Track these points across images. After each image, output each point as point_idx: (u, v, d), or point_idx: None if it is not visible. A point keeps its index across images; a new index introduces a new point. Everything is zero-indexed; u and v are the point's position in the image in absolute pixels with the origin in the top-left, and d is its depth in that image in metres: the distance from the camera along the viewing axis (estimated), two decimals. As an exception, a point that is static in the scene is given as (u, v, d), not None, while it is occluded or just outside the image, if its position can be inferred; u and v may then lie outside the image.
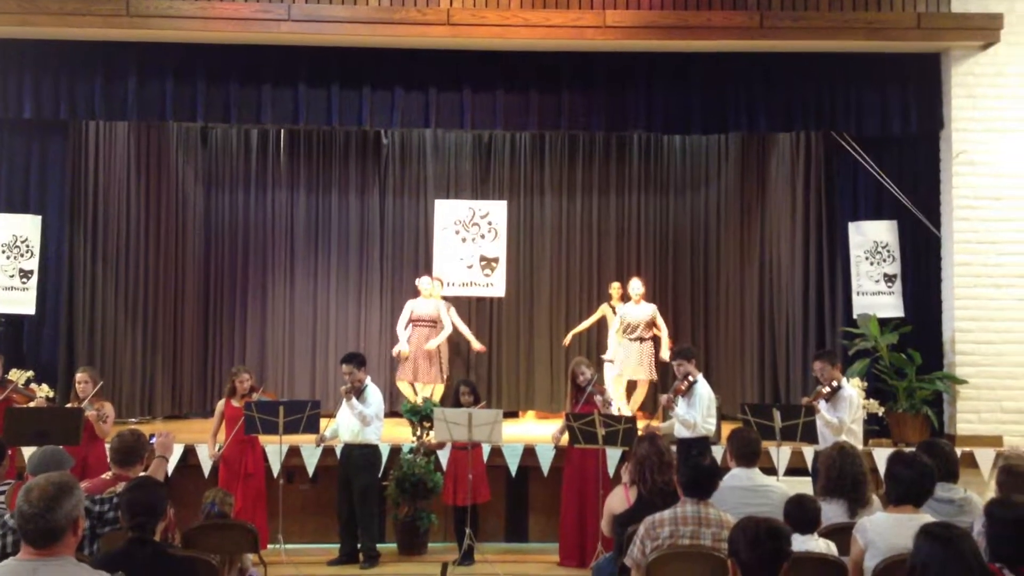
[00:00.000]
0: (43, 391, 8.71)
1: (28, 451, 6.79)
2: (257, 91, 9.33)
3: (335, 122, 9.53)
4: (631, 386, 11.23)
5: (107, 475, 5.19)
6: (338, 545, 8.27)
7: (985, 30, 9.19)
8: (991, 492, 7.34)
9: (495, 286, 11.90)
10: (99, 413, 7.91)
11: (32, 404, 8.32)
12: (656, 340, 11.04)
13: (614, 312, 11.45)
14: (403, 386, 11.37)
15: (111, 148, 10.84)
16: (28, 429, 7.17)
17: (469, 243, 11.95)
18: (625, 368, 11.03)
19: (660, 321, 11.07)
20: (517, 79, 9.45)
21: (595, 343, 12.18)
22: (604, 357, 11.36)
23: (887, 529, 4.40)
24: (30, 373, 8.89)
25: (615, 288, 11.70)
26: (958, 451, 6.14)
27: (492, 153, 12.90)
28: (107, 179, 10.73)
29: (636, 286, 11.06)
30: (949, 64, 9.37)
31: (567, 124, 9.66)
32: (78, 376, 8.17)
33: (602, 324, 11.80)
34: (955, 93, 9.34)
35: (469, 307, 12.37)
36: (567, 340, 11.83)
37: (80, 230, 10.20)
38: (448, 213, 12.01)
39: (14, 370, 8.77)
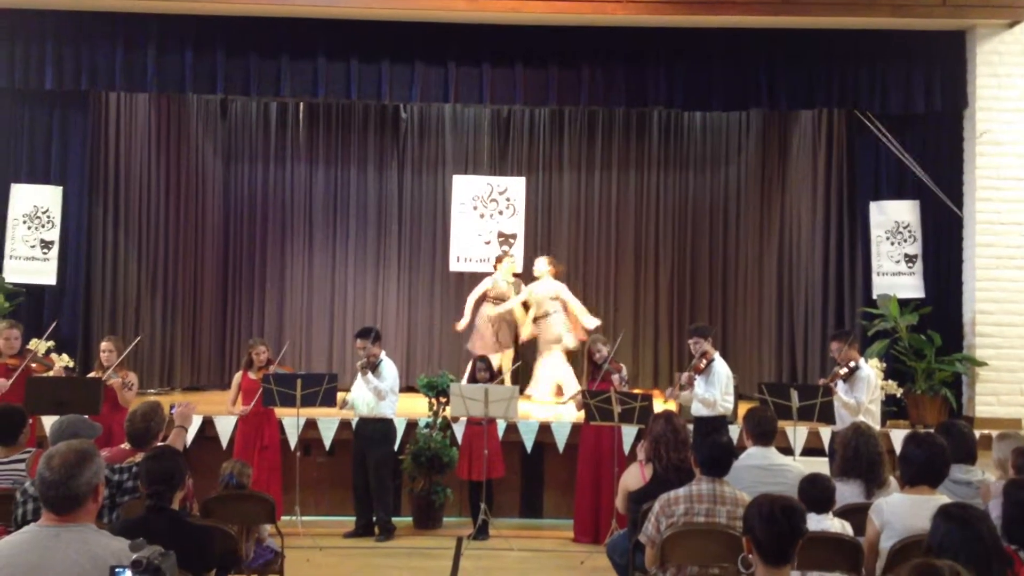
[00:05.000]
0: (63, 361, 8.75)
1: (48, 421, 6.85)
2: (276, 63, 9.32)
3: (354, 96, 9.51)
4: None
5: (126, 445, 5.20)
6: (354, 518, 8.35)
7: (1011, 8, 9.10)
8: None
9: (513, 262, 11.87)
10: (123, 381, 7.96)
11: (50, 373, 8.37)
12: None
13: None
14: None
15: (131, 120, 10.88)
16: (48, 398, 7.25)
17: (487, 219, 11.94)
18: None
19: (566, 295, 10.96)
20: (537, 54, 9.41)
21: (611, 321, 12.10)
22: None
23: (903, 510, 4.39)
24: (50, 343, 8.94)
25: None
26: (976, 433, 6.09)
27: (511, 129, 12.83)
28: (127, 151, 10.78)
29: (541, 264, 11.06)
30: (974, 42, 9.27)
31: (587, 100, 9.61)
32: (103, 345, 8.22)
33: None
34: (980, 72, 9.25)
35: (487, 283, 12.34)
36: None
37: (100, 201, 10.25)
38: (466, 189, 12.00)
39: (34, 340, 8.81)
